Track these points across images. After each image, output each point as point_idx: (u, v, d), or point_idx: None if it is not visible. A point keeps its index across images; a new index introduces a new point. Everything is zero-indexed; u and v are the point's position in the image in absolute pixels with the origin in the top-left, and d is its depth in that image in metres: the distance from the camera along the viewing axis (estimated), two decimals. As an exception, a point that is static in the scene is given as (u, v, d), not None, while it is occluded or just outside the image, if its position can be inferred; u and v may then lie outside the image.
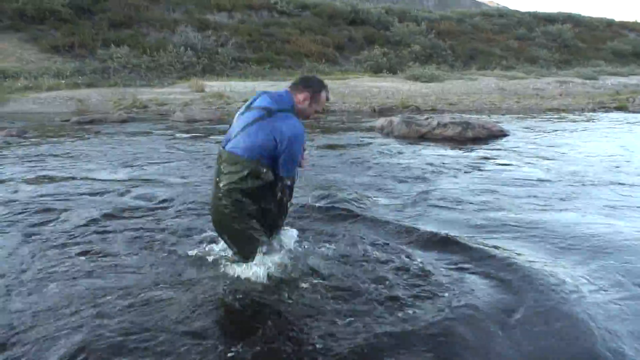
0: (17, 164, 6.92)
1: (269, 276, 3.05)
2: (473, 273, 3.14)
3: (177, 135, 10.32)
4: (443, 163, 6.98)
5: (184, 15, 28.89)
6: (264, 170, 2.95)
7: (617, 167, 6.67)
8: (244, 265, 3.12)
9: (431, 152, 7.98)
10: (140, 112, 15.84)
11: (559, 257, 3.44)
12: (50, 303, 2.74)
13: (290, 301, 2.81)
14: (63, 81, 18.85)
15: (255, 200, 3.00)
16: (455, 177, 6.10)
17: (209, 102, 17.40)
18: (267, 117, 2.95)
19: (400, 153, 7.90)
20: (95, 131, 10.94)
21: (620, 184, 5.65)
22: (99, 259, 3.38)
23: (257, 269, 3.07)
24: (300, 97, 3.07)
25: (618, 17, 51.57)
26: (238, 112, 3.14)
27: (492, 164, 6.94)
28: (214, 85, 20.27)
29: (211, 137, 9.88)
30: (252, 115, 3.00)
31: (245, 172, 2.92)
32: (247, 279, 3.03)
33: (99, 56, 22.36)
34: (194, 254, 3.44)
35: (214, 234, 3.39)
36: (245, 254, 3.14)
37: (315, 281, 3.05)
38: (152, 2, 29.11)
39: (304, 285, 3.00)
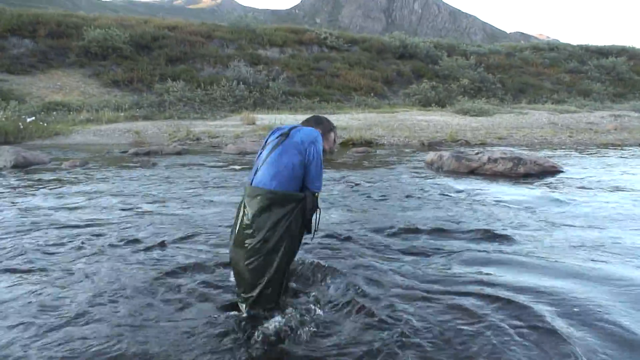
0: (76, 193, 7.34)
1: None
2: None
3: (230, 167, 10.66)
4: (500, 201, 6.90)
5: (237, 51, 30.07)
6: (291, 195, 2.86)
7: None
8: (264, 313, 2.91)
9: (491, 189, 7.89)
10: (193, 144, 16.43)
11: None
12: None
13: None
14: (122, 114, 19.89)
15: (282, 232, 2.84)
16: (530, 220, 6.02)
17: (260, 134, 17.85)
18: (284, 140, 2.98)
19: (457, 191, 7.86)
20: (152, 162, 11.44)
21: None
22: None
23: (279, 319, 2.86)
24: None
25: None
26: (257, 154, 3.12)
27: (556, 203, 6.77)
28: (264, 118, 20.82)
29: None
30: (270, 147, 3.01)
31: (269, 203, 2.82)
32: (272, 333, 2.79)
33: (156, 90, 23.54)
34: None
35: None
36: (268, 300, 2.92)
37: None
38: (207, 38, 30.49)
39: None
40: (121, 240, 4.69)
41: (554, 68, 38.17)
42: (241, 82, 25.11)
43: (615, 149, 14.34)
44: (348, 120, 20.24)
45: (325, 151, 3.20)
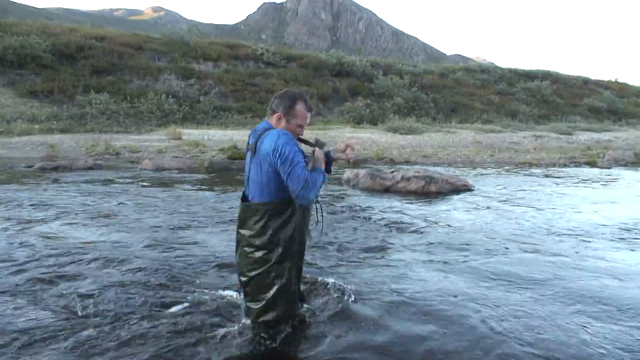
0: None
1: None
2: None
3: (135, 185, 10.08)
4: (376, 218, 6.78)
5: (169, 64, 29.29)
6: (284, 203, 2.83)
7: (536, 228, 6.50)
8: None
9: (386, 206, 7.80)
10: (112, 158, 15.66)
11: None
12: None
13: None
14: (37, 126, 18.73)
15: (283, 242, 2.85)
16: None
17: (184, 150, 17.28)
18: (254, 154, 2.84)
19: (353, 207, 7.70)
20: (53, 178, 10.68)
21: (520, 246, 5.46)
22: None
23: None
24: (274, 118, 2.92)
25: (594, 76, 53.22)
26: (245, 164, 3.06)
27: (426, 223, 6.73)
28: (192, 133, 20.24)
29: (167, 187, 9.66)
30: (247, 162, 2.94)
31: (267, 216, 2.82)
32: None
33: (78, 102, 22.39)
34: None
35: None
36: (283, 316, 2.94)
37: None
38: (138, 50, 29.56)
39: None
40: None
41: (485, 89, 39.68)
42: (171, 96, 24.37)
43: (531, 167, 14.80)
44: (278, 137, 19.96)
45: (299, 127, 2.92)
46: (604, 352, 2.89)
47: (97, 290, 3.69)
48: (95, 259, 4.50)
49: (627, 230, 6.29)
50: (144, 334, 2.98)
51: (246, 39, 61.69)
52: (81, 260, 4.48)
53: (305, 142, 3.09)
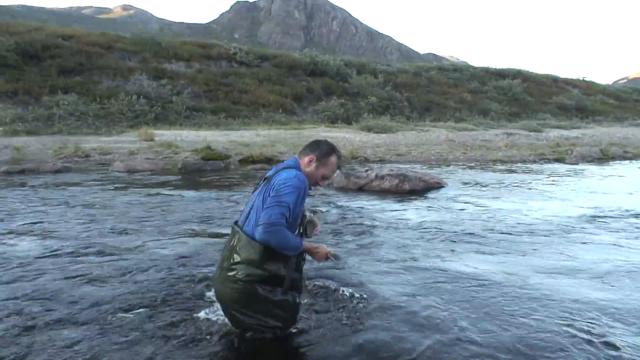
0: None
1: None
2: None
3: (104, 188, 9.86)
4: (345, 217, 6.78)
5: (140, 64, 28.79)
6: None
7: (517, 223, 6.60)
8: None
9: (357, 205, 7.80)
10: (81, 161, 15.26)
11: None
12: None
13: None
14: (1, 128, 18.16)
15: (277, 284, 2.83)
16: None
17: (157, 151, 16.98)
18: (266, 184, 2.84)
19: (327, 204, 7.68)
20: (20, 182, 10.37)
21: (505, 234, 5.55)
22: None
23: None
24: (306, 159, 2.96)
25: (562, 75, 54.48)
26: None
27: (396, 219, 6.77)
28: (165, 134, 19.94)
29: (140, 189, 9.47)
30: (258, 190, 2.92)
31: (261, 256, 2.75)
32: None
33: (45, 103, 21.80)
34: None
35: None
36: (285, 325, 2.93)
37: None
38: (108, 49, 28.99)
39: None
40: None
41: (458, 88, 40.17)
42: (142, 97, 23.94)
43: (502, 164, 15.02)
44: (252, 137, 19.86)
45: (324, 178, 3.02)
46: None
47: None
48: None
49: (572, 225, 6.47)
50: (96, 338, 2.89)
51: (219, 39, 61.19)
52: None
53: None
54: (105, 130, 20.60)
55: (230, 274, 2.78)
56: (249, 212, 2.85)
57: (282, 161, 3.05)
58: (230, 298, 2.81)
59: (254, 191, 2.99)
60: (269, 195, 2.73)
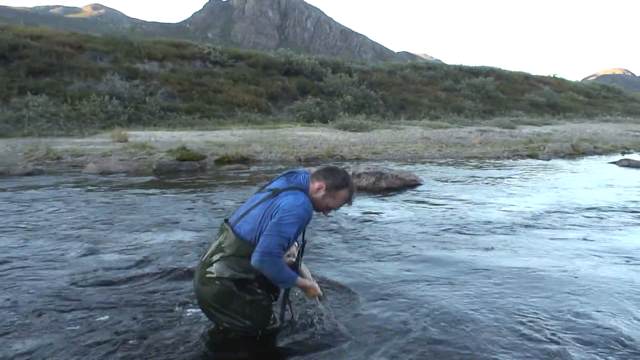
0: None
1: None
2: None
3: (76, 190, 9.67)
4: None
5: (112, 64, 28.27)
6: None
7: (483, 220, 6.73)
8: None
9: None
10: (53, 163, 14.94)
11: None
12: None
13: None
14: (-32, 131, 17.66)
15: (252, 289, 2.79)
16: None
17: (131, 152, 16.71)
18: (271, 197, 2.74)
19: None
20: (-11, 185, 10.09)
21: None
22: None
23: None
24: (316, 185, 2.82)
25: (534, 72, 55.77)
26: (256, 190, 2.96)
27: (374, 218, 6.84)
28: (139, 135, 19.63)
29: (113, 191, 9.33)
30: (260, 197, 2.82)
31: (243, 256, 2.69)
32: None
33: (14, 104, 21.22)
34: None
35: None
36: (258, 324, 2.84)
37: None
38: (78, 49, 28.39)
39: None
40: None
41: (432, 86, 40.53)
42: (115, 97, 23.51)
43: (477, 161, 15.25)
44: (228, 137, 19.72)
45: (328, 209, 2.91)
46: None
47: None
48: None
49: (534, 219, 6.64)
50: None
51: (192, 38, 60.67)
52: None
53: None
54: (78, 132, 20.18)
55: (210, 269, 2.74)
56: (243, 215, 2.80)
57: (293, 173, 2.95)
58: (209, 296, 2.77)
59: (255, 193, 2.92)
60: (270, 217, 2.66)
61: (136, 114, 23.57)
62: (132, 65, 28.87)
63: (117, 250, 5.05)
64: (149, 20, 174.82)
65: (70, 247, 5.12)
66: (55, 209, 7.40)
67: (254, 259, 2.58)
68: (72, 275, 4.16)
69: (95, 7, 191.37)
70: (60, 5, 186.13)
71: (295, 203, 2.65)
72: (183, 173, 12.44)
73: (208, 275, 2.75)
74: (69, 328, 3.12)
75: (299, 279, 2.82)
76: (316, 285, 2.98)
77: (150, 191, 9.34)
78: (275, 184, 2.84)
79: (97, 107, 22.42)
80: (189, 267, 4.30)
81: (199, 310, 3.01)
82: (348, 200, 2.89)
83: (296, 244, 3.02)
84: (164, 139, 18.76)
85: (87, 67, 26.73)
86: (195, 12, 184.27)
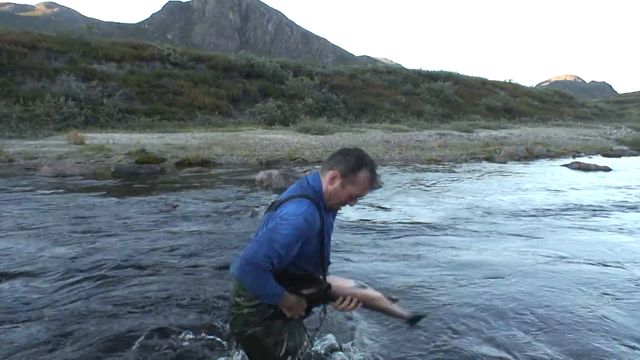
0: None
1: None
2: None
3: (27, 193, 9.40)
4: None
5: (68, 64, 27.46)
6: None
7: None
8: None
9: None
10: (4, 166, 14.43)
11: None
12: None
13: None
14: None
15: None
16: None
17: (88, 155, 16.30)
18: (271, 213, 2.36)
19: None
20: None
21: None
22: None
23: None
24: (329, 175, 2.37)
25: (490, 77, 57.63)
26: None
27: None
28: (96, 137, 19.17)
29: (67, 194, 9.11)
30: (264, 218, 2.44)
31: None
32: None
33: (-38, 106, 20.39)
34: None
35: None
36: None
37: None
38: (31, 49, 27.45)
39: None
40: None
41: (392, 90, 41.10)
42: (70, 98, 22.85)
43: (436, 164, 15.62)
44: (188, 139, 19.49)
45: (352, 198, 2.41)
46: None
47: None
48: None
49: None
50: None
51: (151, 39, 59.57)
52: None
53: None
54: (31, 134, 19.52)
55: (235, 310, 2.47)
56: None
57: (297, 178, 2.72)
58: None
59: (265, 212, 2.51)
60: (265, 226, 2.31)
61: (93, 116, 22.98)
62: (89, 66, 28.13)
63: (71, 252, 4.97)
64: (105, 20, 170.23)
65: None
66: (7, 211, 7.19)
67: (234, 267, 2.18)
68: None
69: (49, 5, 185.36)
70: (11, 3, 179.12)
71: (296, 212, 2.24)
72: (142, 176, 12.25)
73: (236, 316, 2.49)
74: None
75: (289, 296, 2.31)
76: (302, 305, 2.45)
77: (107, 194, 9.17)
78: (284, 194, 2.45)
79: (51, 109, 21.75)
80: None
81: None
82: (372, 182, 2.40)
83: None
84: (122, 142, 18.39)
85: (41, 67, 25.87)
86: (154, 13, 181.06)
